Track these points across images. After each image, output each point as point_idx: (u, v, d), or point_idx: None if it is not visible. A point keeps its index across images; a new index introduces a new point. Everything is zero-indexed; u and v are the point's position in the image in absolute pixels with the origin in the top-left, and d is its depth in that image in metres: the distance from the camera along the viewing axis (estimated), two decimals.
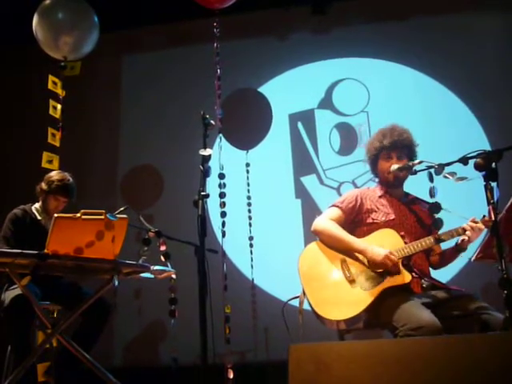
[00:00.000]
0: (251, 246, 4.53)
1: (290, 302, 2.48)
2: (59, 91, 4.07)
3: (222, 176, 3.71)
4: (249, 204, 4.64)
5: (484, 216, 2.36)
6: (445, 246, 2.55)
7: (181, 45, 5.73)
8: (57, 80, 4.06)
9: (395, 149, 2.53)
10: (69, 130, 4.05)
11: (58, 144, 3.95)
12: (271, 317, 4.43)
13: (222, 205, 3.68)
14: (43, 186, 3.20)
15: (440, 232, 2.41)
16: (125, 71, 5.99)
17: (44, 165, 3.85)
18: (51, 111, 3.96)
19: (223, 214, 3.70)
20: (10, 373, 2.74)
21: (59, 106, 4.03)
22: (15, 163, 5.42)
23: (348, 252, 2.40)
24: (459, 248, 2.44)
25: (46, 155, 3.88)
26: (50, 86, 4.01)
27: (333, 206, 2.58)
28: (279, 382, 2.24)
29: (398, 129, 2.58)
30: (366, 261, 2.36)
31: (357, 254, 2.39)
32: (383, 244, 2.38)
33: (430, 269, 2.54)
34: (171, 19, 5.62)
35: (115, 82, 5.94)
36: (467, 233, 2.34)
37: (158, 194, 5.56)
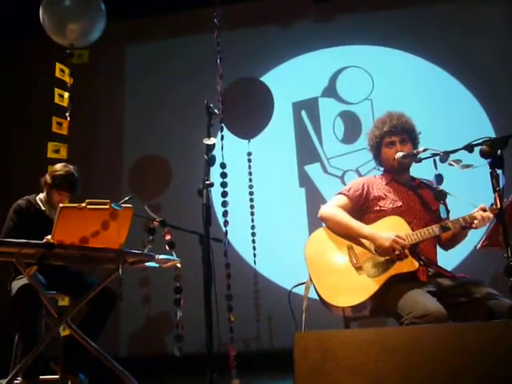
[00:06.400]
0: (253, 234, 4.54)
1: (294, 291, 2.48)
2: (67, 79, 4.05)
3: (223, 165, 3.70)
4: (251, 193, 4.65)
5: (492, 204, 2.33)
6: None
7: (185, 34, 5.71)
8: (64, 68, 4.05)
9: (396, 133, 2.52)
10: (73, 118, 4.04)
11: (65, 132, 3.94)
12: (275, 305, 4.46)
13: (224, 194, 3.68)
14: (47, 179, 3.18)
15: (448, 220, 2.40)
16: (128, 61, 5.98)
17: (50, 155, 3.84)
18: (57, 99, 3.95)
19: (225, 204, 3.70)
20: (19, 361, 2.76)
21: (66, 94, 4.01)
22: (22, 153, 5.43)
23: (355, 238, 2.40)
24: (465, 226, 2.39)
25: (51, 145, 3.87)
26: (58, 73, 3.99)
27: (339, 193, 2.58)
28: (283, 369, 2.26)
29: (395, 114, 2.58)
30: (372, 247, 2.36)
31: (363, 241, 2.38)
32: (390, 231, 2.37)
33: (437, 257, 2.53)
34: (174, 9, 5.59)
35: (119, 72, 5.93)
36: (476, 222, 2.32)
37: (165, 183, 5.57)
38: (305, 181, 5.33)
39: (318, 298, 2.32)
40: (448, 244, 2.57)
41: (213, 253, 2.29)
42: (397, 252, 2.29)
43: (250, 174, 4.66)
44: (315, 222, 2.61)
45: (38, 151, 3.99)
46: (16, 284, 2.88)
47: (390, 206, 2.49)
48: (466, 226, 2.36)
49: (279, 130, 5.17)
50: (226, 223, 3.66)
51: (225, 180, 3.67)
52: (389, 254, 2.32)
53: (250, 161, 4.69)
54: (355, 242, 2.40)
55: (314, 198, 5.09)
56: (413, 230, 2.38)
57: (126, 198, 2.88)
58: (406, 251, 2.30)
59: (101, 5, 4.19)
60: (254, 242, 4.54)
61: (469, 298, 2.24)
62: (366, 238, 2.37)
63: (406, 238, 2.32)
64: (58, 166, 3.23)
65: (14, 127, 5.67)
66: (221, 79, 3.75)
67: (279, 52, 5.53)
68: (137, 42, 5.96)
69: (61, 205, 2.54)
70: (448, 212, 2.48)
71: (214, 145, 2.32)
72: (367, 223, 2.47)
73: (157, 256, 2.89)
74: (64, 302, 3.46)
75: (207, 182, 2.25)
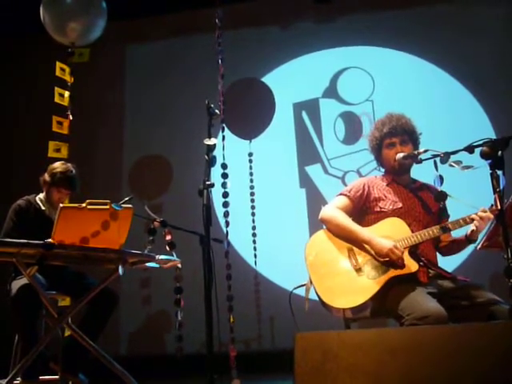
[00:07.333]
0: (254, 235, 4.54)
1: (295, 291, 2.48)
2: (67, 78, 4.04)
3: (224, 166, 3.70)
4: (252, 194, 4.65)
5: (492, 205, 2.34)
6: (455, 233, 2.53)
7: (185, 34, 5.71)
8: (65, 66, 4.03)
9: (396, 134, 2.53)
10: (74, 118, 4.04)
11: (66, 131, 3.93)
12: (275, 306, 4.46)
13: (225, 195, 3.69)
14: (46, 177, 3.19)
15: (448, 221, 2.41)
16: (128, 60, 5.98)
17: (51, 154, 3.83)
18: (57, 99, 3.94)
19: (226, 204, 3.71)
20: (18, 361, 2.76)
21: (67, 93, 4.01)
22: (22, 152, 5.42)
23: (354, 241, 2.40)
24: (470, 239, 2.42)
25: (52, 144, 3.86)
26: (58, 72, 3.97)
27: (340, 194, 2.58)
28: (283, 370, 2.26)
29: (395, 115, 2.59)
30: (372, 250, 2.36)
31: (363, 243, 2.39)
32: (390, 233, 2.38)
33: (437, 258, 2.53)
34: (175, 9, 5.60)
35: (119, 71, 5.93)
36: (475, 222, 2.33)
37: (166, 183, 5.56)
38: (305, 181, 5.33)
39: (318, 299, 2.32)
40: (447, 252, 2.57)
41: (213, 253, 2.29)
42: (393, 260, 2.29)
43: (251, 174, 4.66)
44: (316, 222, 2.61)
45: (38, 150, 3.99)
46: (16, 284, 2.88)
47: (390, 207, 2.49)
48: (467, 224, 2.36)
49: (280, 131, 5.17)
50: (226, 224, 3.66)
51: (226, 180, 3.67)
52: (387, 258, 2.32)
53: (251, 161, 4.68)
54: (355, 245, 2.40)
55: (315, 199, 5.10)
56: (412, 231, 2.39)
57: (126, 199, 2.88)
58: (407, 257, 2.31)
59: (102, 3, 4.17)
60: (254, 242, 4.54)
61: (470, 301, 2.24)
62: (365, 242, 2.37)
63: (404, 244, 2.32)
64: (57, 164, 3.24)
65: (15, 127, 5.67)
66: (222, 79, 3.75)
67: (280, 53, 5.54)
68: (137, 42, 5.96)
69: (61, 205, 2.54)
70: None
71: (214, 145, 2.32)
72: (367, 224, 2.48)
73: (157, 256, 2.89)
74: (64, 302, 3.46)
75: (208, 183, 2.25)
